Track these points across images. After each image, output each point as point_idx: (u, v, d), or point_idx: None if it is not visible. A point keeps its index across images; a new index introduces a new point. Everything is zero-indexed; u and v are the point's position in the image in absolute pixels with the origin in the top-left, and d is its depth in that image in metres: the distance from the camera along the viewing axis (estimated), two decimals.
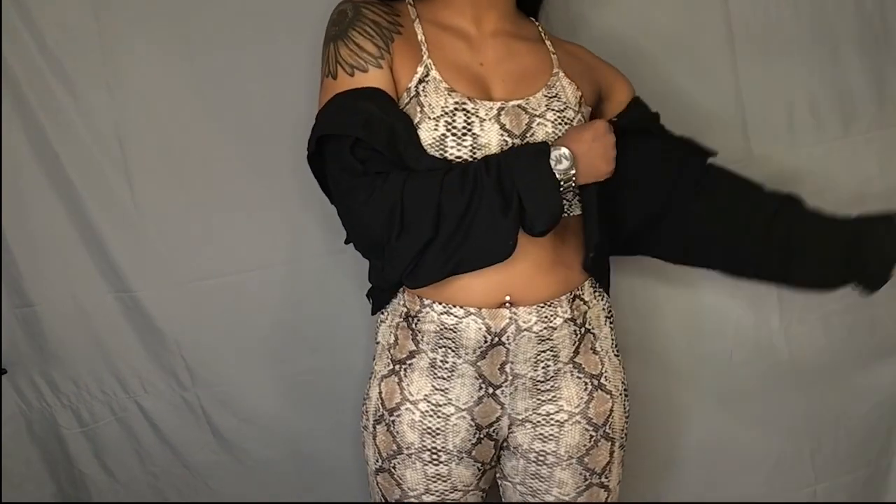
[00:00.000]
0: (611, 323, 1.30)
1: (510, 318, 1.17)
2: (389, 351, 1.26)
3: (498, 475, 1.35)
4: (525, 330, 1.18)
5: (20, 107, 1.42)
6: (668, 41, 1.53)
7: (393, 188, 1.07)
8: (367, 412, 1.29)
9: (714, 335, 1.67)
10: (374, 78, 1.12)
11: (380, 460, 1.28)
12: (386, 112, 1.09)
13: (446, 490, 1.26)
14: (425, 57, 1.16)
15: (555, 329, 1.20)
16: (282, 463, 1.64)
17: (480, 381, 1.21)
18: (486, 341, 1.18)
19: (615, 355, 1.30)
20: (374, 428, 1.27)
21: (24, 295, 1.51)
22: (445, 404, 1.22)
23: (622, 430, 1.30)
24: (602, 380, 1.26)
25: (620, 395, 1.29)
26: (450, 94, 1.13)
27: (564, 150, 1.09)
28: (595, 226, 1.18)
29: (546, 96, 1.18)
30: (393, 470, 1.27)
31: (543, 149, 1.09)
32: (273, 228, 1.51)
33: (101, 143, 1.44)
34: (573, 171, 1.09)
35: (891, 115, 1.60)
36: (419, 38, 1.18)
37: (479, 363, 1.19)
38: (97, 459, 1.62)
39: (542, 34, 1.29)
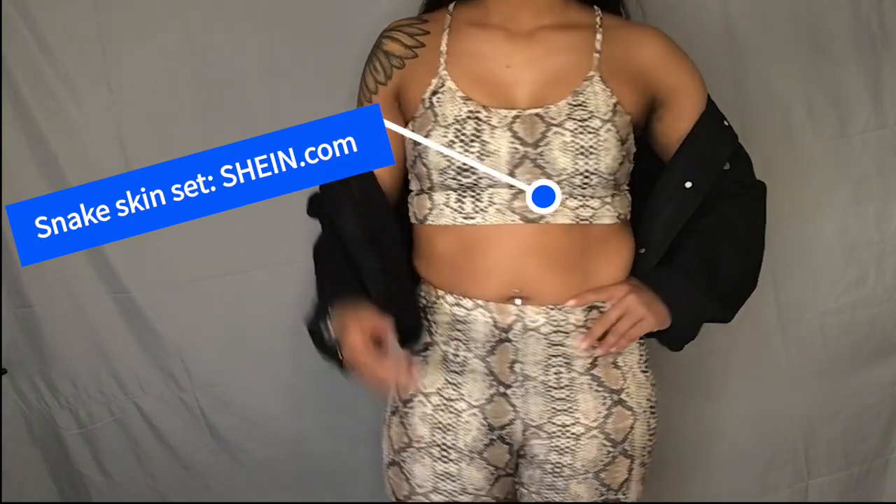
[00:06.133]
0: (640, 340, 1.26)
1: (517, 316, 1.16)
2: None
3: (516, 479, 1.31)
4: (532, 330, 1.17)
5: (20, 107, 1.42)
6: None
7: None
8: (388, 405, 1.29)
9: (710, 333, 1.67)
10: None
11: (391, 453, 1.27)
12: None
13: (455, 491, 1.23)
14: (441, 69, 1.17)
15: (567, 335, 1.18)
16: (281, 463, 1.64)
17: (491, 378, 1.20)
18: (493, 336, 1.18)
19: (641, 372, 1.25)
20: (390, 420, 1.27)
21: (23, 295, 1.51)
22: (458, 399, 1.21)
23: (644, 448, 1.26)
24: (623, 395, 1.23)
25: (645, 412, 1.25)
26: (465, 103, 1.15)
27: (330, 326, 1.14)
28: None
29: (570, 104, 1.15)
30: (403, 463, 1.25)
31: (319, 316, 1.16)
32: (272, 228, 1.51)
33: (101, 143, 1.44)
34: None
35: (887, 116, 1.61)
36: (441, 48, 1.19)
37: (488, 359, 1.19)
38: (96, 460, 1.62)
39: (598, 26, 1.20)
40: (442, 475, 1.23)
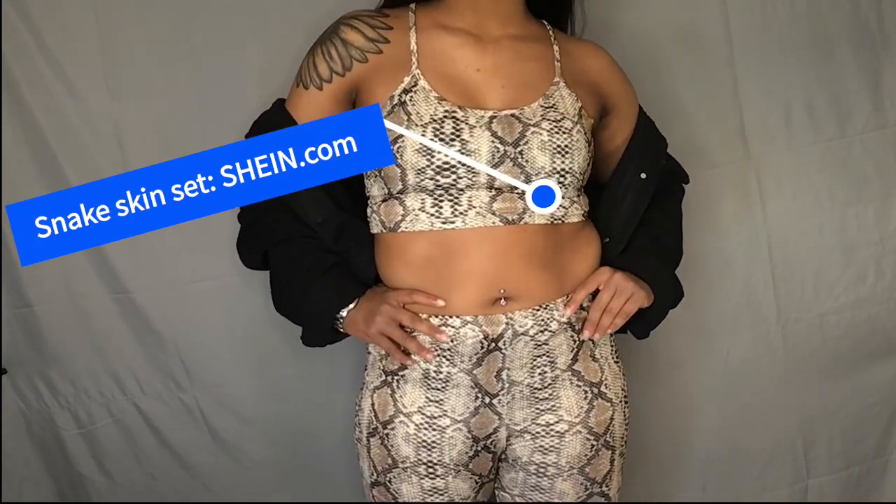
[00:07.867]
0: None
1: (507, 324, 1.17)
2: (381, 362, 1.25)
3: (495, 486, 1.33)
4: (522, 334, 1.18)
5: (20, 107, 1.42)
6: (667, 42, 1.54)
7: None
8: (359, 424, 1.28)
9: (711, 333, 1.67)
10: (307, 96, 1.22)
11: (375, 474, 1.27)
12: None
13: (444, 502, 1.25)
14: (414, 67, 1.17)
15: (552, 334, 1.20)
16: (280, 464, 1.64)
17: (476, 390, 1.20)
18: (482, 347, 1.18)
19: (615, 362, 1.29)
20: (368, 441, 1.26)
21: (23, 295, 1.50)
22: (441, 416, 1.21)
23: (622, 438, 1.29)
24: (602, 388, 1.25)
25: (620, 402, 1.28)
26: (440, 103, 1.15)
27: (347, 312, 1.21)
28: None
29: (542, 106, 1.18)
30: (388, 484, 1.25)
31: (330, 311, 1.22)
32: None
33: (101, 143, 1.44)
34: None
35: (886, 116, 1.61)
36: (411, 47, 1.19)
37: (474, 371, 1.19)
38: (95, 461, 1.61)
39: (552, 39, 1.26)
40: (430, 490, 1.24)
